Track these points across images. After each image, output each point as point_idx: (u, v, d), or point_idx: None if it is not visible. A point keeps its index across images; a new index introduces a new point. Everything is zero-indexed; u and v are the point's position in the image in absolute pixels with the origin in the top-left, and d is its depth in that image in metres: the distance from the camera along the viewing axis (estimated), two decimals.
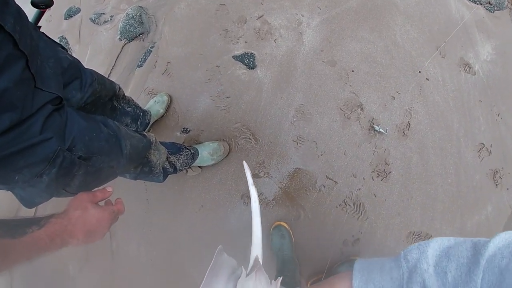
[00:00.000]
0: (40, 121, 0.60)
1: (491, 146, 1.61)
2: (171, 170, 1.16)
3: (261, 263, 0.57)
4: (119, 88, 1.06)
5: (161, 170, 1.08)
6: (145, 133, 0.99)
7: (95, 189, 0.67)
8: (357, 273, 0.44)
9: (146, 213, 1.48)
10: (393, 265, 0.42)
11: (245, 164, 0.66)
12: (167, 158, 1.11)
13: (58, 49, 0.77)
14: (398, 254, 0.44)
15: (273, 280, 0.55)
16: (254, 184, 0.63)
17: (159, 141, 1.07)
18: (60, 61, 0.75)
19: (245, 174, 0.65)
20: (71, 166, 0.66)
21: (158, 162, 1.04)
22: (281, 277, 0.56)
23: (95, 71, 0.90)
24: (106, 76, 1.04)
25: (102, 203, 0.66)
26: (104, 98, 0.95)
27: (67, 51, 0.83)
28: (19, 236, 0.48)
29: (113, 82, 1.02)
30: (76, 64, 0.81)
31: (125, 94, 1.14)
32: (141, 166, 0.97)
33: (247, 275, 0.53)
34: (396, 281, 0.40)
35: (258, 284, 0.52)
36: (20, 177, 0.60)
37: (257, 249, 0.58)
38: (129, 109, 1.16)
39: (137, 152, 0.89)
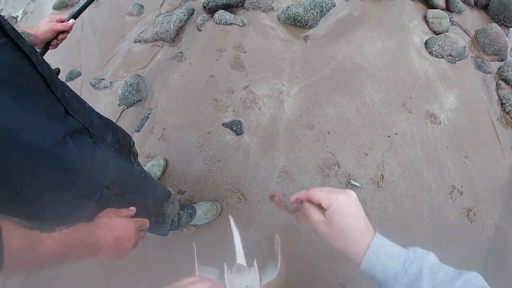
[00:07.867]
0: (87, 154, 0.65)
1: (461, 187, 1.76)
2: (175, 224, 1.26)
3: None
4: (133, 143, 1.16)
5: (169, 222, 1.18)
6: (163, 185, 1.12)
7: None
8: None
9: (142, 271, 1.58)
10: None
11: (231, 219, 0.74)
12: (177, 211, 1.23)
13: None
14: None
15: (251, 266, 0.62)
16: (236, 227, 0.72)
17: None
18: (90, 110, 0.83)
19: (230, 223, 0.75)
20: (108, 202, 0.72)
21: (171, 214, 1.15)
22: (255, 259, 0.63)
23: (115, 123, 1.02)
24: None
25: None
26: (125, 148, 1.06)
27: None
28: (48, 231, 0.48)
29: (129, 135, 1.12)
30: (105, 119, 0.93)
31: None
32: (156, 216, 1.08)
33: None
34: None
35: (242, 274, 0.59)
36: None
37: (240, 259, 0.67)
38: (138, 167, 1.30)
39: (162, 197, 1.00)
